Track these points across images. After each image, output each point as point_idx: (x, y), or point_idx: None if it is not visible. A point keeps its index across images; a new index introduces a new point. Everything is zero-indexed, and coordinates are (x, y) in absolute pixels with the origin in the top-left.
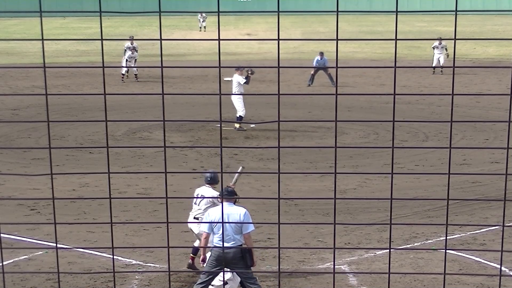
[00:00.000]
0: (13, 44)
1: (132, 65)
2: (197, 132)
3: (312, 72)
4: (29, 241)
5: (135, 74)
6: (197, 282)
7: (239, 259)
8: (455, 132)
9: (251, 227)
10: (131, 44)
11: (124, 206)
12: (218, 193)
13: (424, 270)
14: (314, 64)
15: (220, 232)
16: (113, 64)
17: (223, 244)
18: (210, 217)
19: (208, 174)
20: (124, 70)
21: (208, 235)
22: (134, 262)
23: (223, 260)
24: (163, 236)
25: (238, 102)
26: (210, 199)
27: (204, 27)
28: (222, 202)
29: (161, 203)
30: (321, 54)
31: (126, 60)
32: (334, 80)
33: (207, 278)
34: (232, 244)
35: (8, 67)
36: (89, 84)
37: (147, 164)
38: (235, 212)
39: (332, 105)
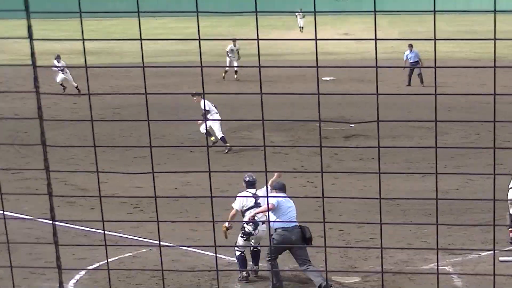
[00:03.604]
0: (112, 44)
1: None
2: (297, 131)
3: (408, 73)
4: (133, 239)
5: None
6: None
7: (301, 238)
8: None
9: None
10: (234, 46)
11: (226, 205)
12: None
13: None
14: (406, 57)
15: (285, 215)
16: (212, 63)
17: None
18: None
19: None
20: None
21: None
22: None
23: (288, 241)
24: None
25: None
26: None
27: (302, 27)
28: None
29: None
30: (410, 46)
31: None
32: (423, 80)
33: (274, 257)
34: (294, 225)
35: (108, 67)
36: (188, 83)
37: (248, 163)
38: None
39: (432, 105)
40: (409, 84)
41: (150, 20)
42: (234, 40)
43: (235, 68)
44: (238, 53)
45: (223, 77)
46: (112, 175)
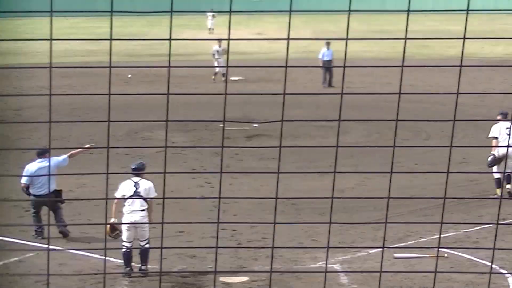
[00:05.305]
0: (20, 44)
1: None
2: (200, 132)
3: (323, 72)
4: (21, 243)
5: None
6: None
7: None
8: (457, 131)
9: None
10: (219, 47)
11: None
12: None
13: (416, 269)
14: (321, 56)
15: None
16: (121, 64)
17: None
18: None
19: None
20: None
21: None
22: None
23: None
24: (158, 236)
25: None
26: None
27: (212, 28)
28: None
29: (158, 203)
30: (327, 44)
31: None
32: (332, 82)
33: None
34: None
35: (14, 68)
36: (94, 84)
37: (146, 164)
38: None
39: (337, 105)
40: (324, 82)
41: (61, 20)
42: (219, 40)
43: (221, 69)
44: (223, 53)
45: (213, 79)
46: (8, 177)
